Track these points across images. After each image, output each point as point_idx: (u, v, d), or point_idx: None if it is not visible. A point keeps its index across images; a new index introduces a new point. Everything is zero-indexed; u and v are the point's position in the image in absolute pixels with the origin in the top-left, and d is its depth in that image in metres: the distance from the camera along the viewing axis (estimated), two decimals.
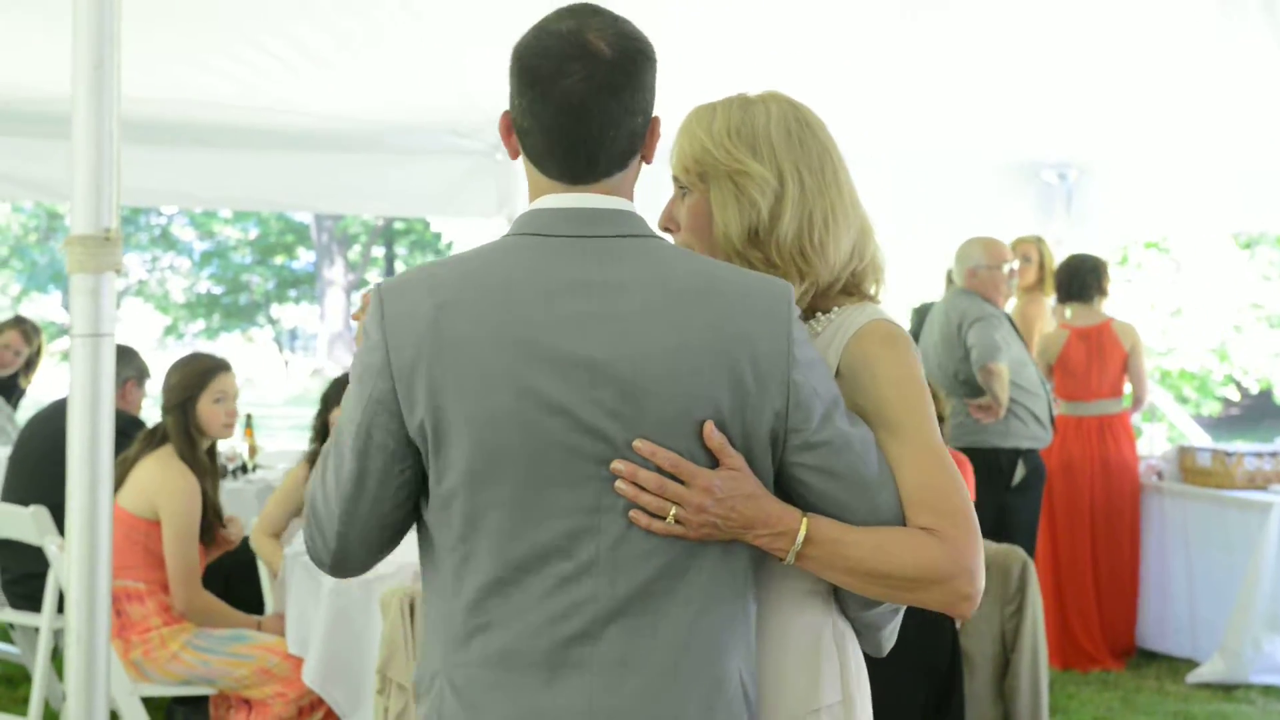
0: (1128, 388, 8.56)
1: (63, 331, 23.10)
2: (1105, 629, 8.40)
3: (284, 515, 6.43)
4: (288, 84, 7.51)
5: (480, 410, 2.26)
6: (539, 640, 2.28)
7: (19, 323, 9.54)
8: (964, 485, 2.47)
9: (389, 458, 2.33)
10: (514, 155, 2.46)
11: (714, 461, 2.32)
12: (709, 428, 2.30)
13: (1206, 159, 9.22)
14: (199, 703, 6.38)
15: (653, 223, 2.54)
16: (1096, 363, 8.38)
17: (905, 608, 2.64)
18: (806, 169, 2.61)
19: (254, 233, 33.60)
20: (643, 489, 2.28)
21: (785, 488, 2.40)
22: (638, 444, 2.27)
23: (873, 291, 2.69)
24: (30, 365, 9.51)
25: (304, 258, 34.66)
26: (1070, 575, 8.39)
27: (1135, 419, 8.93)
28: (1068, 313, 8.62)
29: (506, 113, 2.43)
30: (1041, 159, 9.77)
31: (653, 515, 2.29)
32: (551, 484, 2.27)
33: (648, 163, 2.48)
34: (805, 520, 2.37)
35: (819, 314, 2.60)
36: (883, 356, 2.50)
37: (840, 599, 2.57)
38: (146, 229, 32.57)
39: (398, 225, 32.90)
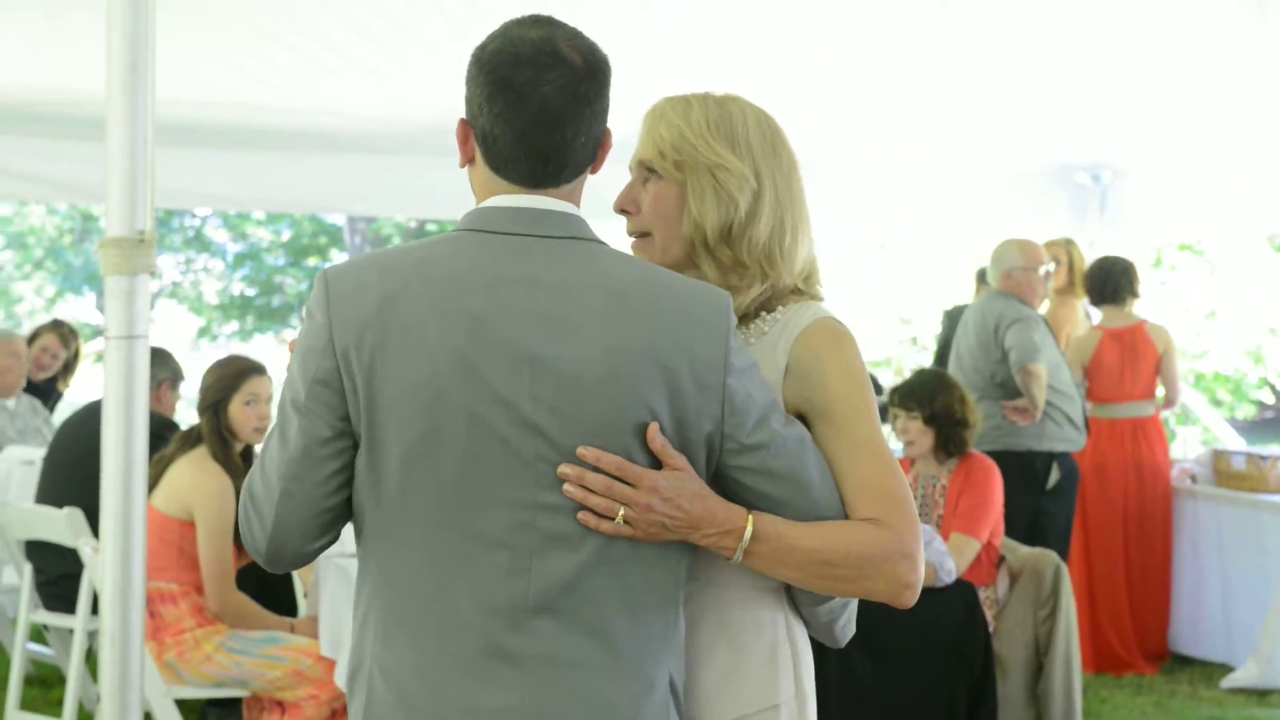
0: (1160, 390, 8.52)
1: (97, 333, 23.23)
2: (1138, 633, 8.36)
3: None
4: (321, 86, 7.52)
5: (422, 394, 2.28)
6: (473, 633, 2.29)
7: (56, 326, 9.58)
8: (903, 476, 2.52)
9: (331, 437, 2.33)
10: (466, 163, 2.48)
11: (653, 462, 2.36)
12: (653, 430, 2.33)
13: (1241, 161, 9.17)
14: (232, 704, 6.39)
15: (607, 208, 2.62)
16: (1130, 365, 8.34)
17: (856, 601, 2.67)
18: (780, 175, 2.65)
19: (287, 234, 33.67)
20: (590, 491, 2.31)
21: (726, 491, 2.43)
22: (581, 451, 2.30)
23: (809, 293, 2.71)
24: (68, 369, 9.55)
25: (337, 259, 34.74)
26: (1103, 579, 8.35)
27: (1168, 417, 8.88)
28: (1098, 315, 8.59)
29: (464, 120, 2.45)
30: (1075, 161, 9.73)
31: (600, 516, 2.32)
32: (487, 476, 2.29)
33: (594, 173, 2.51)
34: (751, 517, 2.41)
35: (764, 313, 2.63)
36: (830, 353, 2.54)
37: (793, 597, 2.60)
38: (180, 231, 32.66)
39: (430, 227, 32.94)
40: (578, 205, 2.46)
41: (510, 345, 2.28)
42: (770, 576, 2.51)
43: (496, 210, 2.40)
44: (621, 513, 2.31)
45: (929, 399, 6.22)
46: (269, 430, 2.43)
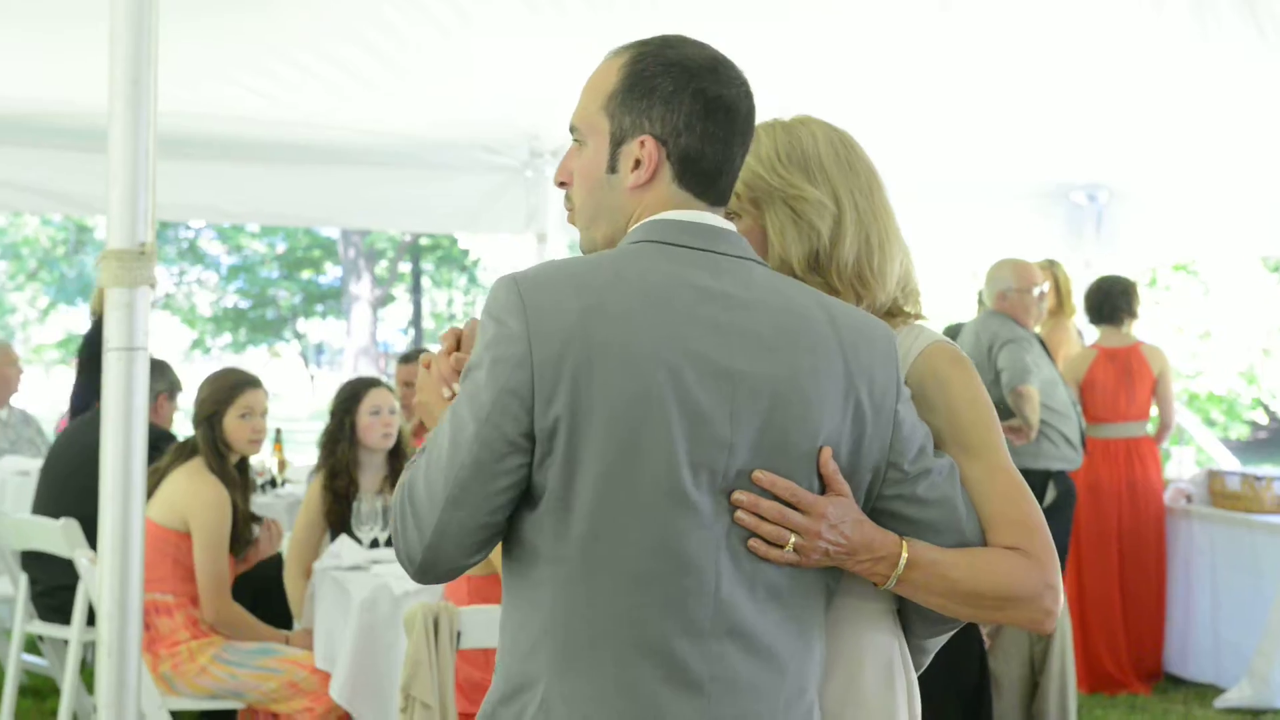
0: (1154, 411, 8.53)
1: None
2: (1132, 653, 8.36)
3: (316, 540, 6.33)
4: (317, 99, 7.53)
5: (631, 411, 2.21)
6: (661, 657, 2.25)
7: None
8: (1037, 503, 2.50)
9: (510, 451, 2.24)
10: (648, 179, 2.37)
11: (819, 486, 2.32)
12: (826, 454, 2.30)
13: (1236, 182, 9.20)
14: (227, 716, 6.38)
15: None
16: (1124, 385, 8.35)
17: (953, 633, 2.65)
18: (859, 192, 2.62)
19: (281, 247, 33.68)
20: (762, 519, 2.27)
21: (877, 519, 2.40)
22: (757, 475, 2.26)
23: (912, 312, 2.69)
24: None
25: (331, 272, 34.72)
26: (1096, 598, 8.35)
27: (1163, 442, 8.89)
28: (1093, 335, 8.60)
29: (653, 138, 2.36)
30: (1071, 181, 9.76)
31: (769, 544, 2.28)
32: (684, 494, 2.23)
33: None
34: (905, 544, 2.38)
35: None
36: (955, 377, 2.52)
37: (906, 623, 2.57)
38: (174, 242, 32.66)
39: (424, 241, 32.94)
40: None
41: (710, 361, 2.24)
42: (890, 600, 2.50)
43: (679, 224, 2.34)
44: (792, 540, 2.28)
45: None
46: (429, 435, 2.34)
